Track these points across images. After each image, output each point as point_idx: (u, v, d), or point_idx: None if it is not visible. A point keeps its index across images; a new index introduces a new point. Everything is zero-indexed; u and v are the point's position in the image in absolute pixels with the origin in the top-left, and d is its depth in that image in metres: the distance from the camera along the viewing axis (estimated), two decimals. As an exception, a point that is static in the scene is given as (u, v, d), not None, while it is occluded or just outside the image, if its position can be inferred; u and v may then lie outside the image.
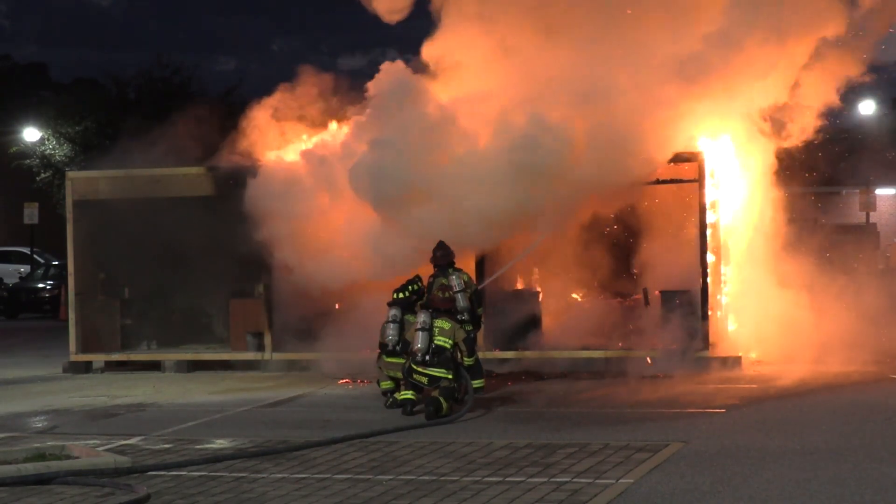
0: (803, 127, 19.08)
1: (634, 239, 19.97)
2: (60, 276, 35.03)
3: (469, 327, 15.98)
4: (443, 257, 16.53)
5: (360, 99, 19.38)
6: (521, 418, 14.86)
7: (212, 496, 10.73)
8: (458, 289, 16.09)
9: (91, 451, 12.32)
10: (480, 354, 16.63)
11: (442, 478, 11.14)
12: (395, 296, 16.45)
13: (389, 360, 16.06)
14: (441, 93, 18.92)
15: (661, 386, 16.99)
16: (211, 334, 21.64)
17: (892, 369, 17.70)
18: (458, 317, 15.83)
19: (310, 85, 20.04)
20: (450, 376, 15.00)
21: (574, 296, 20.73)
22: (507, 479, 11.00)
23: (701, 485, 10.63)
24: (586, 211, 18.90)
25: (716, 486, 10.56)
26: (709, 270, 18.78)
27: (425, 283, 16.61)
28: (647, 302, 19.97)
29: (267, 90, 20.22)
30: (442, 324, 15.26)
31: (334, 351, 19.23)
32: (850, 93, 19.66)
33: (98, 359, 21.23)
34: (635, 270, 20.15)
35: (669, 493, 10.34)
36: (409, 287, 16.51)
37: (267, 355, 20.26)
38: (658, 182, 19.10)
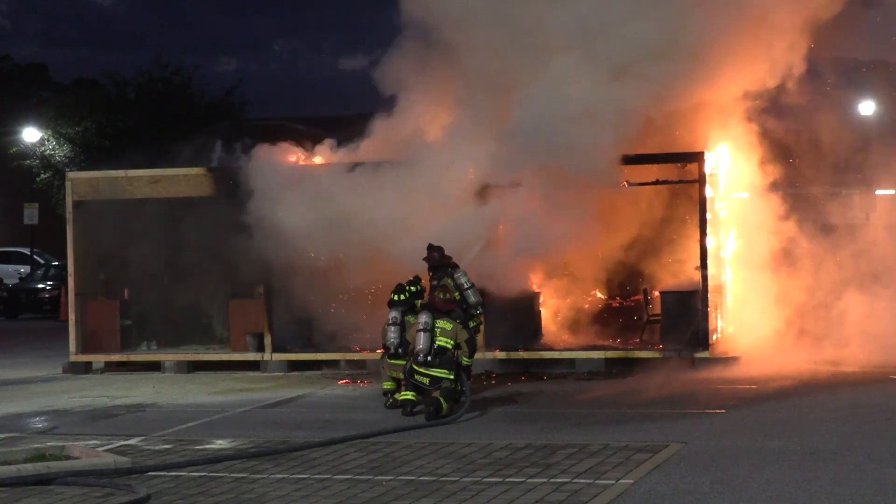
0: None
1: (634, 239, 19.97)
2: (60, 277, 34.99)
3: (476, 322, 15.96)
4: (441, 258, 16.49)
5: None
6: (521, 418, 14.86)
7: (212, 496, 10.74)
8: (467, 286, 16.10)
9: (91, 452, 12.31)
10: (480, 355, 16.61)
11: (442, 478, 11.14)
12: (393, 297, 16.40)
13: (392, 361, 16.06)
14: None
15: (661, 386, 16.97)
16: (211, 334, 21.62)
17: (893, 369, 17.69)
18: (473, 311, 15.89)
19: None
20: (451, 377, 14.98)
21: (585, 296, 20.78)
22: (507, 479, 11.00)
23: (701, 485, 10.63)
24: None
25: (716, 487, 10.56)
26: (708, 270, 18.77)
27: (423, 283, 16.59)
28: (647, 302, 19.99)
29: (267, 90, 20.35)
30: (444, 325, 15.24)
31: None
32: (851, 92, 19.62)
33: (98, 359, 21.21)
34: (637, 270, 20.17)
35: (669, 494, 10.34)
36: (410, 288, 16.48)
37: (267, 356, 20.24)
38: (658, 182, 19.10)
